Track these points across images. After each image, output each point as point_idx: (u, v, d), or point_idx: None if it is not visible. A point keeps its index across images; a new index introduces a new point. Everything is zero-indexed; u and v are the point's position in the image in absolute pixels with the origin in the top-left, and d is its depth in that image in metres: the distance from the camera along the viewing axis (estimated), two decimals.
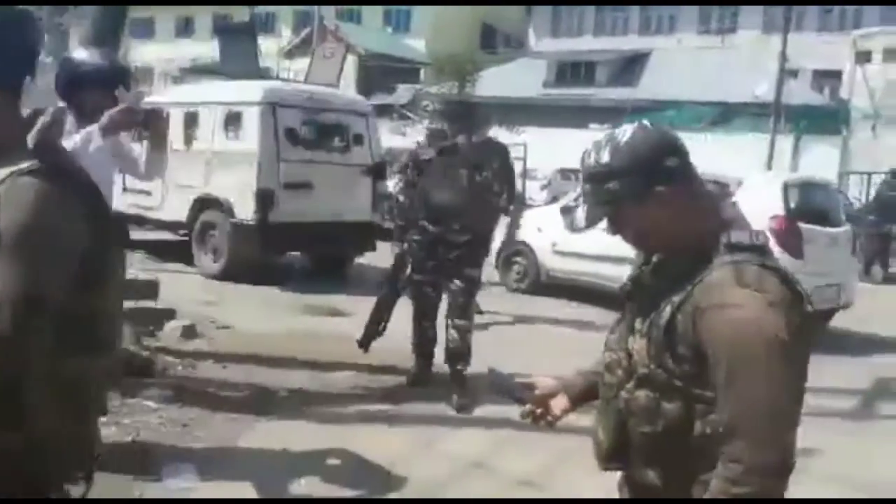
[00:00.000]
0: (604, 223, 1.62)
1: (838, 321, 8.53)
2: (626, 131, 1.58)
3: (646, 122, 1.63)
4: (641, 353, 1.55)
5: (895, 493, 4.22)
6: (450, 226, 5.04)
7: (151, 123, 3.56)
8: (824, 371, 6.74)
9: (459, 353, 5.14)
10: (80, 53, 3.66)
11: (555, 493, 4.02)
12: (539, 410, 1.86)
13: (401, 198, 5.44)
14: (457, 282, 5.10)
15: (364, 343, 5.49)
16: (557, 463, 4.37)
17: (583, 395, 1.85)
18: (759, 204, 7.87)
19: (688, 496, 1.54)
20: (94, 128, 3.30)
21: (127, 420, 4.38)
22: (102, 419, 4.25)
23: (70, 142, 3.32)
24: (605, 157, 1.56)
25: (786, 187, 8.04)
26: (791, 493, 4.55)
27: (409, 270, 5.28)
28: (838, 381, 6.51)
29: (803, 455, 4.69)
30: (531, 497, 4.00)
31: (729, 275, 1.45)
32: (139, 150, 3.70)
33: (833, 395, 6.14)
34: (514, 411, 2.00)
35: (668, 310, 1.50)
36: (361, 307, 7.51)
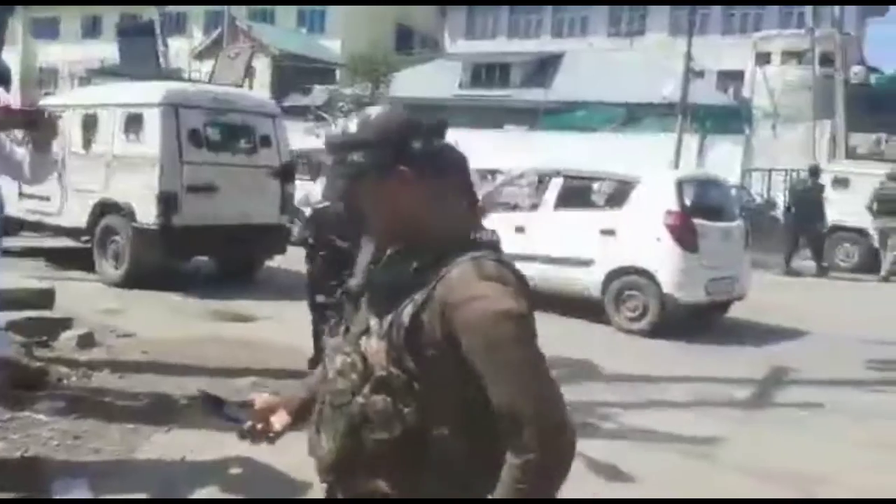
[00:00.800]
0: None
1: (742, 313, 8.88)
2: (376, 109, 1.59)
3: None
4: (379, 356, 1.48)
5: (795, 481, 4.40)
6: (359, 241, 4.73)
7: (36, 125, 3.42)
8: (724, 361, 7.05)
9: None
10: None
11: None
12: (259, 426, 1.77)
13: (306, 210, 5.23)
14: None
15: (311, 368, 5.33)
16: None
17: (305, 409, 1.76)
18: (655, 200, 8.14)
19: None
20: None
21: (15, 435, 4.21)
22: None
23: None
24: (352, 129, 1.57)
25: (680, 184, 8.31)
26: (700, 482, 4.70)
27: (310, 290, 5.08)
28: (737, 371, 6.78)
29: (707, 444, 4.88)
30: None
31: (471, 269, 1.44)
32: (22, 153, 3.55)
33: (732, 384, 6.38)
34: None
35: (409, 309, 1.46)
36: (269, 311, 7.47)
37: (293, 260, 7.78)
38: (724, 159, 21.55)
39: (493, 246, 1.53)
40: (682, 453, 4.79)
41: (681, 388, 6.17)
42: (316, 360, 5.37)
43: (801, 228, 13.86)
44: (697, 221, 8.09)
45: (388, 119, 1.56)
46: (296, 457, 4.19)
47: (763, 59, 25.35)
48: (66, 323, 6.11)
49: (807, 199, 13.89)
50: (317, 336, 5.35)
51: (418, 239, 1.54)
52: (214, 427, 4.60)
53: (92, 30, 41.32)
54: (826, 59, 22.92)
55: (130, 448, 4.26)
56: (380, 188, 1.52)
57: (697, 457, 4.75)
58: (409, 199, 1.53)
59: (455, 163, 1.60)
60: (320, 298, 4.94)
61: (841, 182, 14.63)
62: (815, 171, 14.61)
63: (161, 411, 4.77)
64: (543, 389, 1.43)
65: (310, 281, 5.26)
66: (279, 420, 1.79)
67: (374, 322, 1.52)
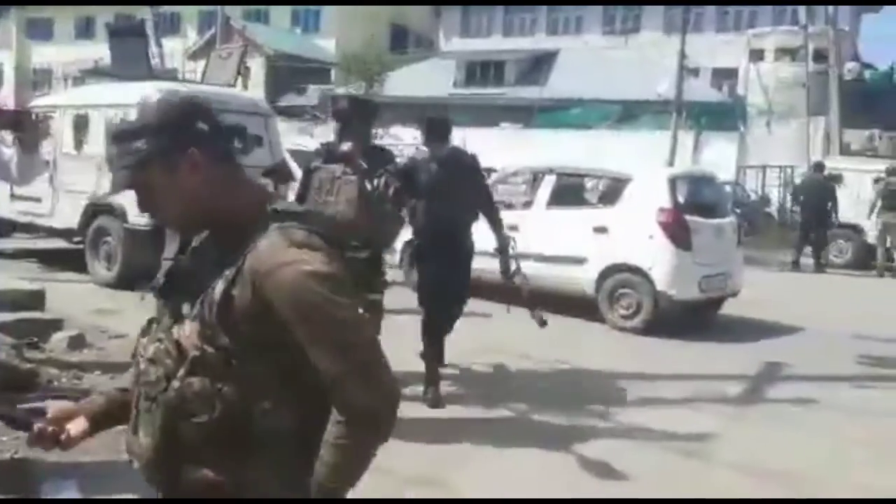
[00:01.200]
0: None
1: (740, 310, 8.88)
2: (157, 95, 1.54)
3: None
4: (192, 337, 1.44)
5: (789, 478, 4.39)
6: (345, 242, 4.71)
7: (23, 125, 3.41)
8: (718, 358, 7.05)
9: None
10: None
11: (451, 488, 4.05)
12: (51, 429, 1.66)
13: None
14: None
15: None
16: (450, 458, 4.41)
17: (106, 414, 1.69)
18: (648, 198, 8.14)
19: (252, 491, 1.46)
20: None
21: (5, 437, 4.17)
22: None
23: None
24: (134, 116, 1.52)
25: (673, 181, 8.30)
26: (694, 480, 4.69)
27: None
28: (732, 368, 6.78)
29: (701, 441, 4.87)
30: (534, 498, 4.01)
31: (279, 238, 1.41)
32: (9, 153, 3.53)
33: (726, 381, 6.37)
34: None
35: (220, 285, 1.43)
36: None
37: None
38: (718, 156, 21.57)
39: (298, 216, 1.48)
40: (676, 451, 4.78)
41: (675, 385, 6.16)
42: None
43: (809, 225, 13.86)
44: (690, 218, 8.08)
45: (170, 103, 1.51)
46: None
47: (757, 55, 25.41)
48: (57, 324, 6.08)
49: (816, 196, 13.91)
50: None
51: (218, 221, 1.50)
52: None
53: (85, 30, 41.23)
54: (820, 56, 22.97)
55: (121, 449, 4.23)
56: (168, 174, 1.47)
57: (691, 454, 4.74)
58: (201, 182, 1.48)
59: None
60: None
61: (835, 178, 14.64)
62: (819, 167, 14.64)
63: None
64: (361, 347, 1.42)
65: None
66: (76, 427, 1.69)
67: (186, 307, 1.49)
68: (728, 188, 17.53)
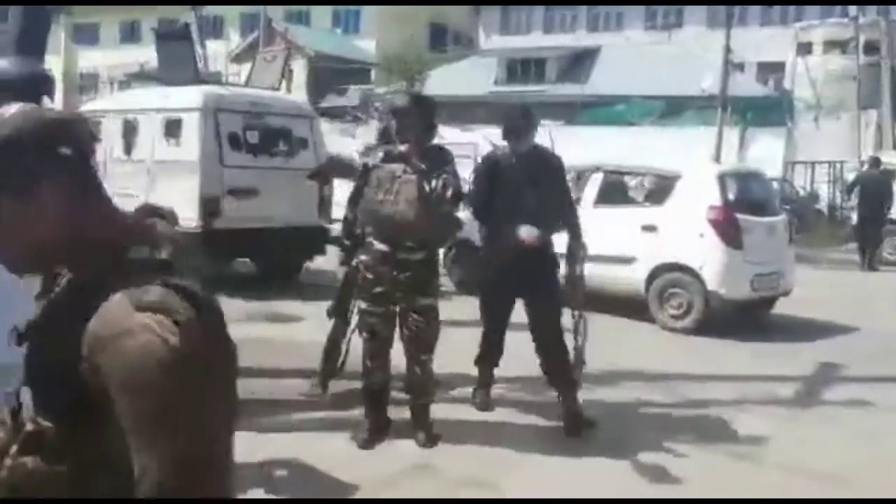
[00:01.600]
0: None
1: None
2: (11, 107, 1.22)
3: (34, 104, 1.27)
4: (30, 407, 1.22)
5: (843, 481, 4.30)
6: (400, 243, 4.37)
7: None
8: (770, 358, 6.92)
9: (423, 386, 4.58)
10: None
11: (502, 491, 4.04)
12: None
13: (346, 213, 4.75)
14: (414, 315, 4.44)
15: (322, 384, 5.18)
16: (500, 461, 4.39)
17: None
18: (697, 195, 8.02)
19: None
20: None
21: None
22: None
23: None
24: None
25: (722, 178, 8.18)
26: (746, 482, 4.60)
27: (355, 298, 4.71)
28: (784, 369, 6.65)
29: (753, 443, 4.78)
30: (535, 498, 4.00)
31: (124, 299, 1.15)
32: None
33: (778, 382, 6.25)
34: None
35: (60, 347, 1.18)
36: (310, 312, 7.48)
37: (332, 261, 7.81)
38: (765, 152, 21.17)
39: (164, 265, 1.24)
40: (727, 453, 4.71)
41: (726, 386, 6.06)
42: (325, 375, 5.21)
43: (866, 222, 13.57)
44: (740, 216, 7.96)
45: (28, 121, 1.20)
46: (341, 458, 4.24)
47: (804, 49, 24.91)
48: None
49: (872, 192, 13.61)
50: (333, 347, 5.15)
51: (74, 266, 1.26)
52: (260, 428, 4.65)
53: (131, 35, 41.97)
54: (871, 48, 22.45)
55: None
56: (13, 205, 1.20)
57: (743, 456, 4.66)
58: (54, 219, 1.21)
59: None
60: (364, 306, 4.52)
61: (889, 174, 14.29)
62: (876, 162, 14.33)
63: None
64: (187, 440, 1.13)
65: (343, 289, 4.92)
66: None
67: (38, 368, 1.25)
68: (776, 185, 17.22)
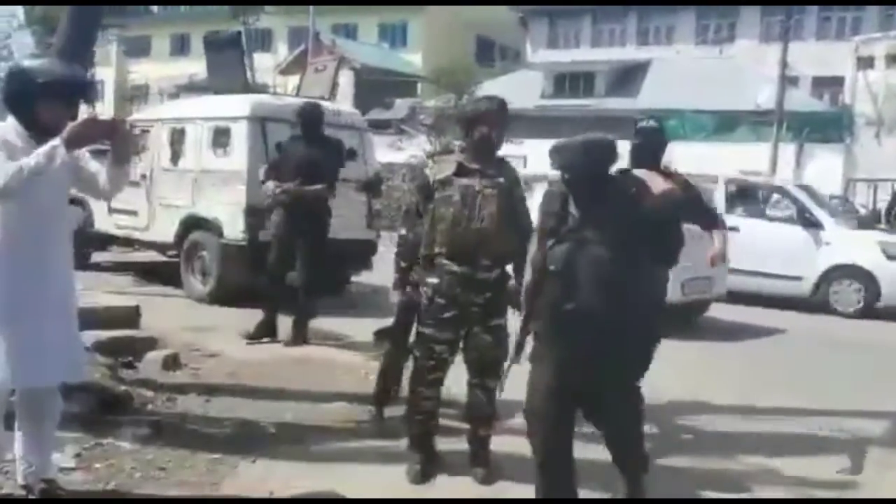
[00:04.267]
0: None
1: None
2: None
3: None
4: None
5: None
6: (478, 262, 4.01)
7: (115, 135, 3.22)
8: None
9: (485, 417, 4.18)
10: (34, 62, 3.30)
11: None
12: None
13: (403, 231, 4.26)
14: (485, 336, 4.05)
15: (377, 412, 4.87)
16: None
17: None
18: None
19: None
20: (57, 141, 2.98)
21: (99, 464, 3.99)
22: (71, 464, 3.88)
23: (33, 157, 2.99)
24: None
25: None
26: None
27: (417, 322, 4.24)
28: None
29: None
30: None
31: None
32: (97, 166, 3.33)
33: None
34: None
35: None
36: (358, 330, 7.15)
37: (381, 276, 7.50)
38: (823, 168, 20.56)
39: None
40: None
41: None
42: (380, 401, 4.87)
43: None
44: None
45: None
46: (391, 491, 3.90)
47: (865, 63, 24.14)
48: (150, 343, 5.94)
49: None
50: (387, 374, 4.78)
51: None
52: (302, 458, 4.35)
53: (181, 48, 42.63)
54: None
55: (216, 480, 3.99)
56: None
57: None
58: None
59: None
60: (428, 331, 4.09)
61: None
62: None
63: (247, 439, 4.51)
64: None
65: (400, 314, 4.48)
66: None
67: None
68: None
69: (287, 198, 6.82)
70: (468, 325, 4.06)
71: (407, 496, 3.95)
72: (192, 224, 8.73)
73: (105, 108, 38.50)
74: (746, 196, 11.61)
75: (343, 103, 12.50)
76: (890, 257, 10.42)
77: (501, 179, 4.01)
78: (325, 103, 9.36)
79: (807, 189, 11.97)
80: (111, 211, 9.66)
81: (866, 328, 9.92)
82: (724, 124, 24.64)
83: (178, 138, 9.07)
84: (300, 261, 6.90)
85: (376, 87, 31.66)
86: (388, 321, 4.70)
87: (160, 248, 9.54)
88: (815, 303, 10.75)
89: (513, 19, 37.12)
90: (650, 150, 4.81)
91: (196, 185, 8.74)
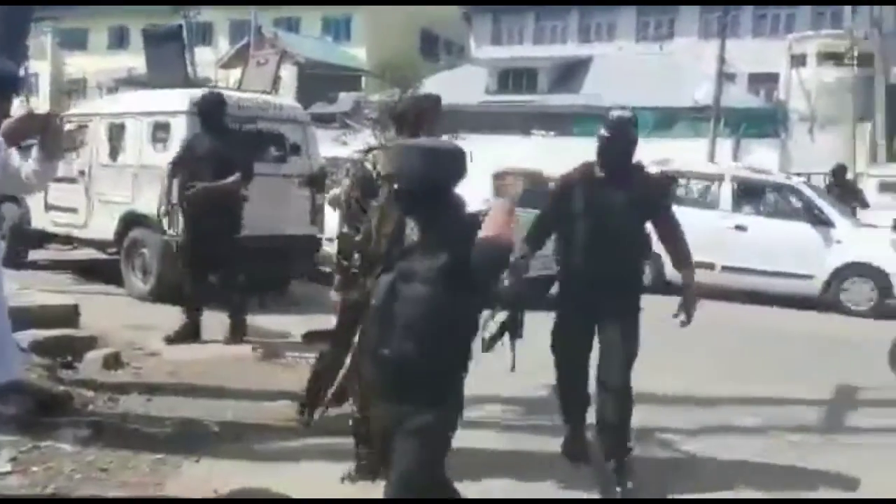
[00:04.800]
0: None
1: None
2: None
3: None
4: None
5: None
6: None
7: (45, 129, 3.16)
8: None
9: None
10: None
11: None
12: None
13: (344, 228, 4.01)
14: None
15: (308, 414, 4.62)
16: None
17: None
18: None
19: None
20: None
21: (36, 467, 3.92)
22: (7, 468, 3.79)
23: None
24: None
25: None
26: None
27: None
28: None
29: None
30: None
31: None
32: (18, 160, 3.25)
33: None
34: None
35: None
36: (301, 328, 7.11)
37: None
38: (759, 163, 21.03)
39: None
40: None
41: None
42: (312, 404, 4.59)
43: None
44: None
45: None
46: (339, 490, 3.90)
47: (798, 60, 24.83)
48: (90, 342, 5.82)
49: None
50: (318, 377, 4.52)
51: None
52: (245, 456, 4.32)
53: (119, 41, 41.58)
54: (865, 60, 22.38)
55: (159, 481, 3.95)
56: None
57: None
58: None
59: None
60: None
61: (890, 187, 14.10)
62: (841, 172, 14.11)
63: (190, 439, 4.47)
64: None
65: (342, 318, 4.16)
66: None
67: None
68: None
69: (195, 196, 6.58)
70: None
71: (351, 495, 3.95)
72: (132, 221, 8.55)
73: (41, 102, 37.46)
74: (753, 193, 11.35)
75: (286, 97, 12.38)
76: None
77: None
78: (265, 96, 9.30)
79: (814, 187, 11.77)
80: (48, 208, 9.43)
81: (880, 327, 9.13)
82: (664, 120, 25.05)
83: (117, 133, 8.88)
84: (217, 259, 6.73)
85: (320, 81, 31.37)
86: (331, 319, 4.60)
87: (100, 245, 9.33)
88: (826, 301, 10.50)
89: (457, 15, 37.19)
90: (621, 144, 4.26)
91: (136, 180, 8.57)
